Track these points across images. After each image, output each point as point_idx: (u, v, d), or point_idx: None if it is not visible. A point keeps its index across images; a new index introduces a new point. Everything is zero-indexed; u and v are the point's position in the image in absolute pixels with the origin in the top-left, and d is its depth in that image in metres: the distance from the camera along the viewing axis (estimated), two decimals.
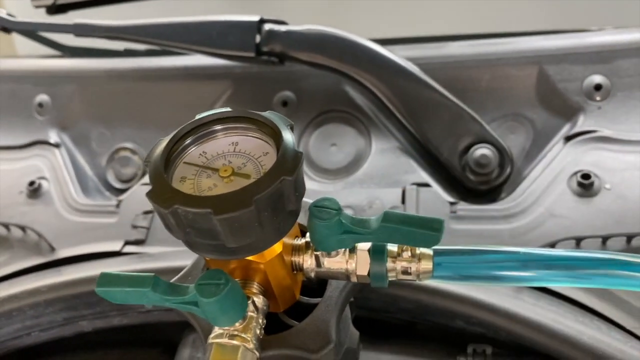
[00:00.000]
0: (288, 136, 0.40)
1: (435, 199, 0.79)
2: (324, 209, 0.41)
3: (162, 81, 0.99)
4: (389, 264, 0.44)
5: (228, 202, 0.36)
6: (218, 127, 0.44)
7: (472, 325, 0.66)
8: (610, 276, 0.43)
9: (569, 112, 0.83)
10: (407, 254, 0.44)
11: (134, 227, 0.85)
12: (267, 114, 0.43)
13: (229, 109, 0.44)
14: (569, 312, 0.65)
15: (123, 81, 1.00)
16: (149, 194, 0.38)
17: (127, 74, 1.00)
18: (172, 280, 0.47)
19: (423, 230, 0.40)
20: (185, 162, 0.42)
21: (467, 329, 0.67)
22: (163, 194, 0.38)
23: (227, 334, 0.42)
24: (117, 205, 0.89)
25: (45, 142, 1.00)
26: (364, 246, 0.45)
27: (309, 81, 0.92)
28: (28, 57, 1.16)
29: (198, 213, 0.36)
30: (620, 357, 0.59)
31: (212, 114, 0.44)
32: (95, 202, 0.92)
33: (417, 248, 0.44)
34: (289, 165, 0.38)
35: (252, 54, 0.88)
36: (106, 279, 0.41)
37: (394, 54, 0.85)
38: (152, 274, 0.41)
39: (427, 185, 0.80)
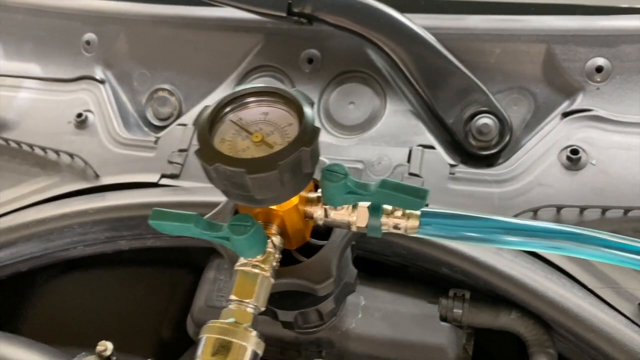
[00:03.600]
0: (309, 112, 0.50)
1: (437, 160, 0.87)
2: (334, 172, 0.51)
3: (201, 30, 1.06)
4: (383, 219, 0.55)
5: (258, 164, 0.46)
6: (252, 99, 0.53)
7: (455, 273, 0.77)
8: (578, 247, 0.53)
9: (570, 90, 0.90)
10: (399, 213, 0.55)
11: (170, 162, 0.95)
12: (293, 91, 0.52)
13: (262, 85, 0.53)
14: (540, 270, 0.75)
15: (165, 27, 1.08)
16: (197, 152, 0.48)
17: (169, 20, 1.08)
18: (205, 217, 0.58)
19: (411, 197, 0.50)
20: (228, 122, 0.52)
21: (451, 275, 0.78)
22: (208, 153, 0.48)
23: (250, 263, 0.53)
24: (155, 142, 0.99)
25: (92, 78, 1.09)
26: (364, 204, 0.55)
27: (334, 41, 0.99)
28: None
29: (234, 171, 0.46)
30: (576, 310, 0.70)
31: (249, 88, 0.53)
32: (136, 137, 1.01)
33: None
34: (308, 137, 0.48)
35: (283, 14, 0.95)
36: (158, 214, 0.52)
37: (413, 23, 0.92)
38: (195, 212, 0.52)
39: (431, 147, 0.89)
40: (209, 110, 0.51)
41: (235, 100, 0.53)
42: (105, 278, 1.03)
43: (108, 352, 0.78)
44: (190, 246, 0.92)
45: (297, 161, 0.48)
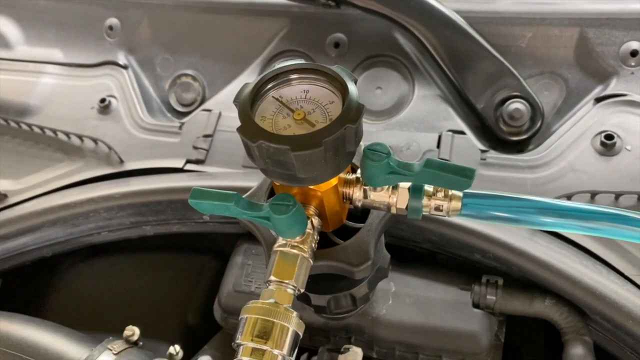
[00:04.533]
0: (353, 89, 0.49)
1: (468, 145, 0.86)
2: (376, 152, 0.50)
3: (224, 14, 1.05)
4: (425, 201, 0.53)
5: (303, 141, 0.45)
6: (294, 76, 0.52)
7: (487, 259, 0.76)
8: (615, 228, 0.51)
9: (603, 74, 0.88)
10: (440, 194, 0.53)
11: (195, 148, 0.95)
12: (335, 67, 0.51)
13: (303, 61, 0.52)
14: (575, 256, 0.73)
15: (188, 11, 1.07)
16: (240, 129, 0.47)
17: (192, 5, 1.07)
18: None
19: (458, 176, 0.49)
20: (270, 99, 0.51)
21: (483, 262, 0.77)
22: (250, 130, 0.47)
23: (289, 244, 0.52)
24: (180, 127, 0.98)
25: (115, 63, 1.09)
26: (404, 185, 0.54)
27: (361, 25, 0.98)
28: None
29: (279, 148, 0.45)
30: (614, 297, 0.69)
31: (289, 65, 0.52)
32: (159, 122, 1.01)
33: (449, 190, 0.53)
34: (352, 115, 0.47)
35: None
36: (198, 193, 0.51)
37: (444, 6, 0.90)
38: (235, 192, 0.51)
39: (462, 132, 0.87)
40: (249, 87, 0.50)
41: (276, 77, 0.51)
42: (130, 264, 1.02)
43: (135, 337, 0.78)
44: (216, 232, 0.92)
45: (341, 139, 0.47)
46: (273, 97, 0.51)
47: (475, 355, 0.73)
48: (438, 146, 0.86)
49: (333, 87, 0.50)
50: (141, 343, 0.79)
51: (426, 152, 0.86)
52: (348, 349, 0.71)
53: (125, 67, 1.09)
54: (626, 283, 0.72)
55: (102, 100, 1.04)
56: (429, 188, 0.54)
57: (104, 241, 0.96)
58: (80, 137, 1.01)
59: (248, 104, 0.49)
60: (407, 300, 0.77)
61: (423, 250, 0.83)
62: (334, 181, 0.53)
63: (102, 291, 1.00)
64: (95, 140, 1.00)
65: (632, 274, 0.73)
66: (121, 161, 0.97)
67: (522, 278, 0.75)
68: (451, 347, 0.73)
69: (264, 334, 0.48)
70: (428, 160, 0.49)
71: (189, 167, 0.93)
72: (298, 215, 0.50)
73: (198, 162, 0.93)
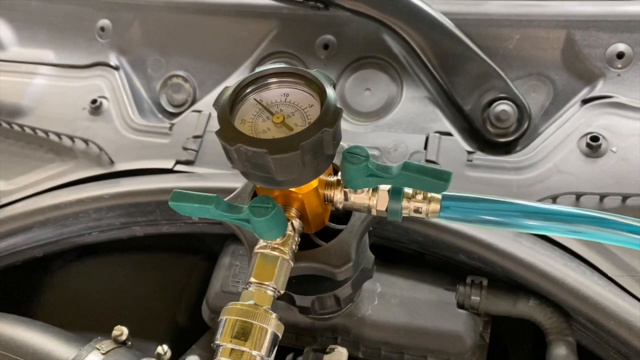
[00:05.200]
0: (331, 93, 0.49)
1: (454, 147, 0.86)
2: (355, 155, 0.51)
3: (215, 15, 1.06)
4: (404, 203, 0.54)
5: (280, 145, 0.46)
6: (273, 79, 0.52)
7: (472, 260, 0.76)
8: (598, 231, 0.52)
9: (590, 76, 0.89)
10: (419, 197, 0.54)
11: (185, 148, 0.95)
12: (314, 71, 0.51)
13: (283, 65, 0.53)
14: (559, 257, 0.74)
15: (179, 13, 1.07)
16: (218, 133, 0.48)
17: (183, 6, 1.07)
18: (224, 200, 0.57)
19: (435, 179, 0.49)
20: (249, 102, 0.51)
21: (468, 263, 0.77)
22: (229, 133, 0.47)
23: (269, 246, 0.53)
24: (170, 128, 0.99)
25: (106, 64, 1.09)
26: (384, 187, 0.55)
27: (351, 27, 0.98)
28: None
29: (256, 152, 0.46)
30: (596, 298, 0.69)
31: (269, 69, 0.52)
32: (150, 123, 1.01)
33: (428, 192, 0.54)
34: (330, 118, 0.47)
35: None
36: (178, 196, 0.51)
37: (431, 8, 0.91)
38: (215, 194, 0.51)
39: (449, 134, 0.88)
40: (229, 91, 0.51)
41: (256, 81, 0.52)
42: (120, 264, 1.03)
43: (124, 337, 0.79)
44: (205, 233, 0.92)
45: (319, 142, 0.47)
46: (254, 99, 0.51)
47: (459, 355, 0.74)
48: (425, 147, 0.87)
49: (312, 90, 0.51)
50: (130, 343, 0.79)
51: (413, 153, 0.87)
52: (333, 349, 0.72)
53: (116, 68, 1.09)
54: (609, 284, 0.72)
55: (94, 101, 1.05)
56: (408, 190, 0.54)
57: (94, 241, 0.97)
58: (71, 137, 1.01)
59: (227, 107, 0.49)
60: (393, 301, 0.77)
61: (410, 250, 0.84)
62: (314, 183, 0.54)
63: (93, 291, 1.01)
64: (86, 141, 1.00)
65: (616, 275, 0.73)
66: (112, 162, 0.97)
67: (507, 279, 0.75)
68: (436, 347, 0.74)
69: (243, 335, 0.48)
70: (406, 163, 0.50)
71: (178, 168, 0.94)
72: (277, 217, 0.50)
73: (188, 163, 0.94)
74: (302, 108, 0.51)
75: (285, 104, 0.51)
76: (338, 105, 0.49)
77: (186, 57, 1.08)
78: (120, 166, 0.97)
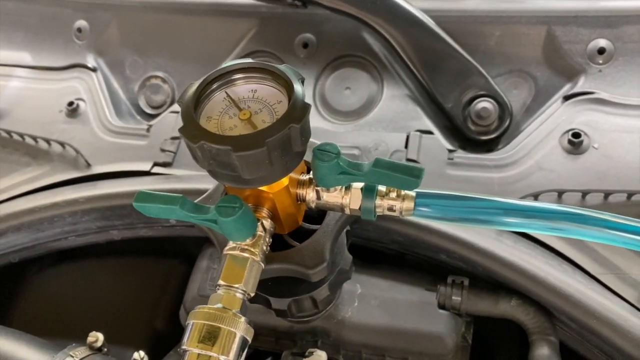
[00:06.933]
0: (299, 88, 0.48)
1: (435, 145, 0.85)
2: (325, 152, 0.49)
3: (193, 15, 1.04)
4: (377, 201, 0.53)
5: (245, 142, 0.44)
6: (240, 75, 0.51)
7: (453, 260, 0.75)
8: (579, 228, 0.51)
9: (571, 72, 0.88)
10: (393, 194, 0.53)
11: (162, 150, 0.93)
12: (282, 66, 0.50)
13: (250, 60, 0.51)
14: (541, 256, 0.73)
15: (157, 12, 1.06)
16: (181, 130, 0.46)
17: (161, 6, 1.06)
18: (196, 201, 0.56)
19: (406, 176, 0.48)
20: (215, 99, 0.50)
21: (449, 262, 0.76)
22: (192, 131, 0.46)
23: (239, 247, 0.51)
24: (148, 130, 0.97)
25: (83, 66, 1.07)
26: (357, 185, 0.53)
27: (330, 25, 0.97)
28: None
29: (220, 149, 0.44)
30: (578, 296, 0.68)
31: (236, 64, 0.51)
32: (128, 125, 1.00)
33: (402, 190, 0.52)
34: (297, 114, 0.46)
35: None
36: (143, 196, 0.50)
37: (411, 5, 0.90)
38: (181, 194, 0.50)
39: (430, 132, 0.87)
40: (194, 87, 0.49)
41: (222, 77, 0.50)
42: (97, 269, 1.01)
43: (99, 344, 0.76)
44: (184, 236, 0.90)
45: (286, 139, 0.46)
46: (222, 96, 0.50)
47: (440, 357, 0.72)
48: (406, 146, 0.86)
49: (280, 86, 0.50)
50: (106, 349, 0.78)
51: (394, 152, 0.85)
52: (312, 353, 0.70)
53: (94, 69, 1.07)
54: (592, 282, 0.71)
55: (70, 104, 1.03)
56: (382, 188, 0.53)
57: (71, 246, 0.95)
58: (47, 141, 1.00)
59: (192, 104, 0.48)
60: (373, 302, 0.76)
61: (391, 251, 0.82)
62: (285, 182, 0.53)
63: (71, 297, 0.99)
64: (62, 144, 0.98)
65: (598, 272, 0.72)
66: (88, 165, 0.96)
67: (488, 278, 0.74)
68: (417, 348, 0.73)
69: (210, 339, 0.46)
70: (377, 160, 0.48)
71: (156, 170, 0.92)
72: (245, 217, 0.49)
73: (165, 164, 0.92)
74: (270, 104, 0.49)
75: (252, 100, 0.50)
76: (306, 101, 0.47)
77: (165, 57, 1.06)
78: (97, 169, 0.95)
